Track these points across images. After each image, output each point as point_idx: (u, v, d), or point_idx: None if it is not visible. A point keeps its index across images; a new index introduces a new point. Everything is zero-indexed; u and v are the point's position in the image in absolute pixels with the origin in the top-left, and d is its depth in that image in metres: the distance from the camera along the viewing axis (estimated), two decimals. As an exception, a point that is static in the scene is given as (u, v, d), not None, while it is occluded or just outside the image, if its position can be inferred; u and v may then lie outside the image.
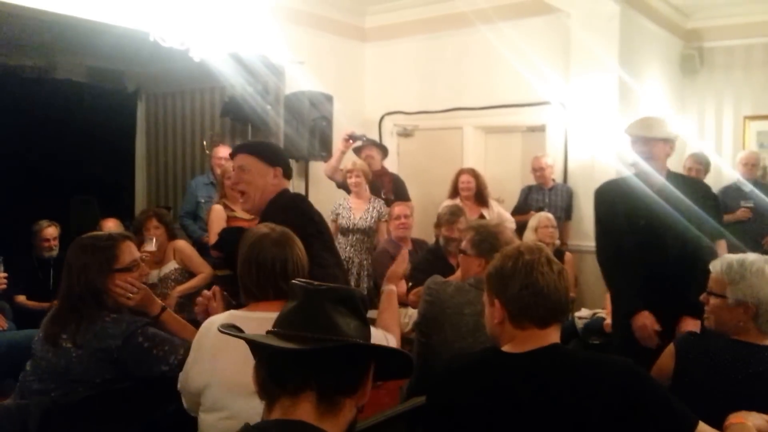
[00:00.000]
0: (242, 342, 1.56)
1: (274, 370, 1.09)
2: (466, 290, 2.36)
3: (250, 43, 4.80)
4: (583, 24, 4.91)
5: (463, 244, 2.50)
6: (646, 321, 2.64)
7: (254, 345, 1.13)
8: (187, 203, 5.01)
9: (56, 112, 6.07)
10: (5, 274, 3.32)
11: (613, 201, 2.84)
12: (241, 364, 1.54)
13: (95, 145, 6.31)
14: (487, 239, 2.40)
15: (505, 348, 1.51)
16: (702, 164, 4.83)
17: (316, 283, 1.18)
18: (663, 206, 2.71)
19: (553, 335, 1.49)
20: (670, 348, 2.04)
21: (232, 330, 1.20)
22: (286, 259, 1.75)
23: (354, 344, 1.10)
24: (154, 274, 4.06)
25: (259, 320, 1.56)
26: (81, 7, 3.94)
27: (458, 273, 2.57)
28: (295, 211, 2.24)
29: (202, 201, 4.85)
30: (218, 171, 4.85)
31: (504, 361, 1.49)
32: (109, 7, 4.04)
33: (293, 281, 1.19)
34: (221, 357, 1.64)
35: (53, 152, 6.24)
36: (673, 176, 2.85)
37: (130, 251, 2.13)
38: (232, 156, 2.49)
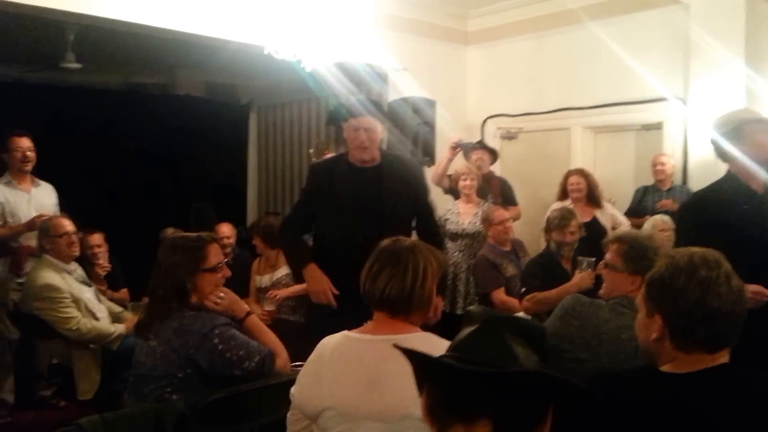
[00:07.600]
0: (364, 365, 1.56)
1: (450, 394, 1.01)
2: (621, 312, 2.15)
3: (355, 52, 4.91)
4: (704, 15, 4.58)
5: (609, 257, 2.26)
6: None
7: (428, 366, 1.06)
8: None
9: (177, 126, 6.54)
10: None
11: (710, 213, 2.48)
12: (363, 388, 1.55)
13: (212, 155, 6.73)
14: (644, 255, 2.17)
15: (665, 368, 1.34)
16: None
17: (494, 312, 1.14)
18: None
19: (722, 359, 1.32)
20: None
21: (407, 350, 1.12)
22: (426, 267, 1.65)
23: (543, 374, 0.99)
24: (266, 278, 4.25)
25: (382, 342, 1.55)
26: (201, 25, 4.21)
27: (602, 289, 2.34)
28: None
29: None
30: None
31: (665, 382, 1.31)
32: (227, 23, 4.29)
33: (470, 308, 1.16)
34: (342, 381, 1.59)
35: (175, 163, 6.72)
36: None
37: (216, 253, 2.18)
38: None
